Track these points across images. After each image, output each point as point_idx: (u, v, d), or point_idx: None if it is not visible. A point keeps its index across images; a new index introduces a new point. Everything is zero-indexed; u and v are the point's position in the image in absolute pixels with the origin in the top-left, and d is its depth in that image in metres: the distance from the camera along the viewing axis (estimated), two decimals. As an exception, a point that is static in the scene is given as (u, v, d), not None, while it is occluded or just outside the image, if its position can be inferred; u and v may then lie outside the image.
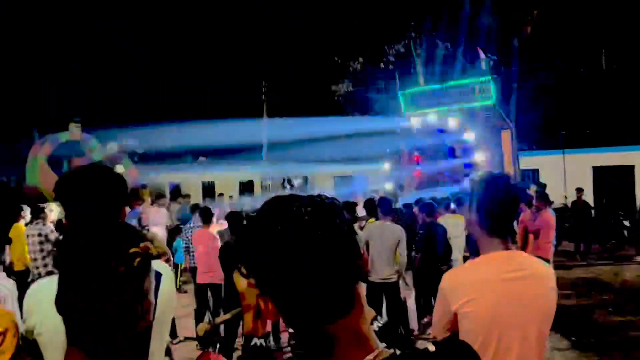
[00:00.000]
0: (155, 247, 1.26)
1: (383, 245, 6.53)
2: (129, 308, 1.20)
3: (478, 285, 2.12)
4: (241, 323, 1.33)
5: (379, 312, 6.67)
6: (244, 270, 1.00)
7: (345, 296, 0.95)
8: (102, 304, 1.16)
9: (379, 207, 6.79)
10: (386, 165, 17.99)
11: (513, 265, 2.16)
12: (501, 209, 2.20)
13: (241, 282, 1.26)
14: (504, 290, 2.10)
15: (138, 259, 1.20)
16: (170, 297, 1.94)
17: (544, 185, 13.55)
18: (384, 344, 1.02)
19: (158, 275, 1.77)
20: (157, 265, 1.93)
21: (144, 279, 1.24)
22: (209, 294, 7.42)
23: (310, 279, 0.91)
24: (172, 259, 9.81)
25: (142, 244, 1.23)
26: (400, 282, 7.22)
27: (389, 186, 16.16)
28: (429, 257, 7.18)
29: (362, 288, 1.02)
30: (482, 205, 2.21)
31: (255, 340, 1.26)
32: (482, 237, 2.22)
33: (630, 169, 16.80)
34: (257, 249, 0.94)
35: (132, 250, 1.20)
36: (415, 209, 8.65)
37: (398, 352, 0.98)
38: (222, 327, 6.31)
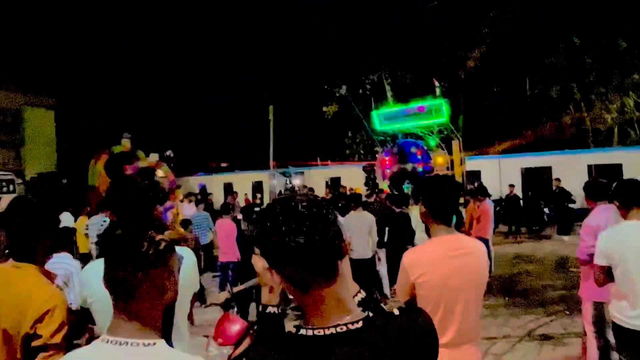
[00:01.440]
0: (178, 234, 1.28)
1: (360, 230, 6.53)
2: (159, 282, 1.22)
3: (430, 262, 2.14)
4: (254, 292, 1.36)
5: (361, 285, 6.66)
6: (257, 251, 1.03)
7: (330, 269, 1.00)
8: (135, 279, 1.17)
9: (353, 201, 6.82)
10: (364, 168, 17.97)
11: (456, 245, 2.17)
12: (443, 202, 2.22)
13: (259, 264, 1.29)
14: (449, 264, 2.12)
15: (164, 244, 1.22)
16: (191, 276, 1.95)
17: (481, 183, 13.60)
18: (360, 308, 1.07)
19: (181, 258, 1.81)
20: (181, 250, 1.99)
21: (169, 259, 1.25)
22: (230, 269, 7.40)
23: (304, 255, 0.95)
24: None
25: (166, 232, 1.25)
26: (375, 258, 7.29)
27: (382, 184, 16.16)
28: (398, 238, 7.20)
29: (346, 264, 1.07)
30: (429, 199, 2.23)
31: (270, 309, 1.32)
32: (432, 224, 2.24)
33: (548, 169, 16.90)
34: (265, 234, 0.99)
35: (159, 237, 1.22)
36: (387, 202, 8.64)
37: (371, 314, 1.04)
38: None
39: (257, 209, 9.16)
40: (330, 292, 1.00)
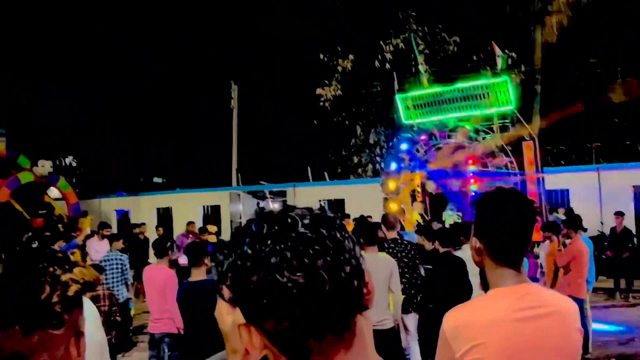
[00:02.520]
0: (92, 274, 1.27)
1: (374, 282, 6.50)
2: (60, 354, 1.21)
3: (487, 327, 2.12)
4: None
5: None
6: (226, 294, 1.01)
7: (342, 327, 0.99)
8: (25, 346, 1.16)
9: (361, 235, 6.75)
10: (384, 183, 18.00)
11: (529, 302, 2.16)
12: (513, 232, 2.21)
13: (227, 318, 1.27)
14: (517, 332, 2.10)
15: (74, 287, 1.21)
16: (96, 339, 1.94)
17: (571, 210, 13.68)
18: None
19: None
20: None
21: (77, 315, 1.24)
22: (163, 346, 7.34)
23: (304, 303, 0.94)
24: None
25: (75, 269, 1.24)
26: (400, 328, 7.24)
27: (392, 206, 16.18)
28: (445, 296, 7.17)
29: (367, 323, 1.08)
30: (489, 228, 2.23)
31: None
32: (491, 267, 2.24)
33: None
34: (243, 269, 0.97)
35: (66, 277, 1.21)
36: (420, 238, 8.65)
37: None
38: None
39: (214, 248, 9.14)
40: None
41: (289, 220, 0.99)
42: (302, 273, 0.93)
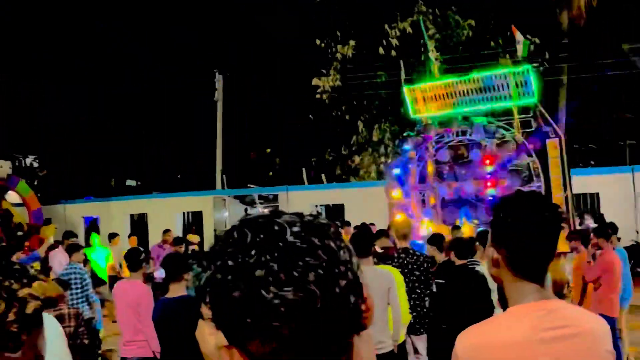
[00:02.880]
0: (54, 289, 1.27)
1: (373, 297, 6.46)
2: None
3: (506, 350, 2.11)
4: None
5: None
6: (206, 316, 1.01)
7: (338, 349, 0.99)
8: None
9: (354, 245, 6.71)
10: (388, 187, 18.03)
11: (553, 321, 2.15)
12: (535, 240, 2.19)
13: (208, 340, 1.26)
14: (539, 355, 2.09)
15: (33, 304, 1.20)
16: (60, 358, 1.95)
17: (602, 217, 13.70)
18: None
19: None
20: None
21: (36, 334, 1.24)
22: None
23: (295, 323, 0.94)
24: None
25: (35, 283, 1.23)
26: (408, 347, 7.28)
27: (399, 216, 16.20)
28: (461, 315, 7.15)
29: (366, 343, 1.12)
30: (508, 236, 2.22)
31: None
32: (510, 281, 2.23)
33: None
34: (224, 284, 0.97)
35: (25, 292, 1.20)
36: (431, 248, 8.65)
37: None
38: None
39: (193, 259, 9.14)
40: None
41: (276, 227, 0.98)
42: (291, 288, 0.93)
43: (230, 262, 0.96)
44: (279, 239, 0.96)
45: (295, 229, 0.98)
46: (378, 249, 8.37)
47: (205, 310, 1.02)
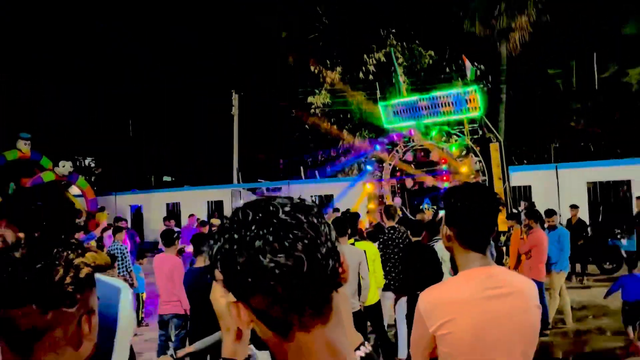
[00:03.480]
0: (103, 259, 1.26)
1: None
2: (73, 329, 1.19)
3: (457, 305, 2.11)
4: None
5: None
6: (219, 278, 1.02)
7: (321, 302, 1.01)
8: (41, 322, 1.14)
9: (334, 229, 6.77)
10: (367, 181, 18.06)
11: (494, 282, 2.15)
12: (479, 220, 2.20)
13: (220, 301, 1.27)
14: (485, 309, 2.09)
15: (85, 270, 1.19)
16: (131, 317, 1.97)
17: (532, 204, 13.73)
18: None
19: (117, 291, 1.84)
20: (114, 281, 1.94)
21: (89, 295, 1.23)
22: (172, 326, 7.33)
23: (286, 281, 0.95)
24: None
25: (88, 254, 1.22)
26: (387, 306, 7.46)
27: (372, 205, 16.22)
28: (418, 281, 7.17)
29: (344, 300, 1.10)
30: (458, 217, 2.22)
31: None
32: (460, 252, 2.23)
33: (626, 184, 17.06)
34: (230, 252, 0.98)
35: (79, 260, 1.19)
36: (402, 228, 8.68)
37: None
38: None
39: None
40: (320, 337, 1.00)
41: (272, 208, 0.99)
42: (283, 255, 0.94)
43: (235, 235, 0.97)
44: (274, 217, 0.97)
45: (287, 209, 0.99)
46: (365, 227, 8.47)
47: (218, 274, 1.02)
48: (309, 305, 0.98)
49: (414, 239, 7.49)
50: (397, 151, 17.61)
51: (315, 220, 1.00)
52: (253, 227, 0.97)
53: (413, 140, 17.21)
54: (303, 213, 1.00)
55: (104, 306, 2.18)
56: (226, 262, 0.98)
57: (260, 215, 0.98)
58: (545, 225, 9.39)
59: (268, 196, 1.07)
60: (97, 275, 2.27)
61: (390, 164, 17.73)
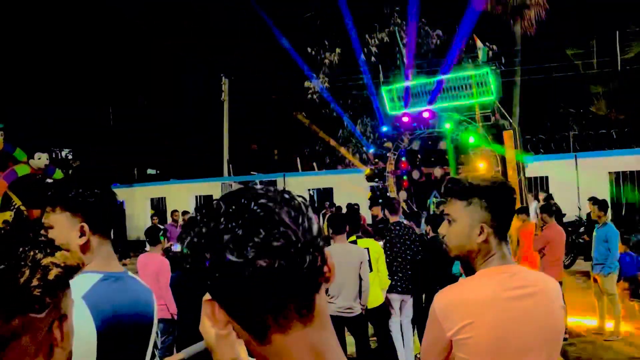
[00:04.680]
0: (76, 258, 1.23)
1: (344, 268, 6.46)
2: (44, 337, 1.17)
3: (477, 306, 2.10)
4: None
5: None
6: (207, 297, 1.03)
7: (301, 301, 1.00)
8: (7, 330, 1.11)
9: (330, 226, 6.80)
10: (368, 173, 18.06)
11: (516, 281, 2.14)
12: (496, 211, 2.21)
13: (211, 332, 1.24)
14: (507, 310, 2.08)
15: (55, 272, 1.16)
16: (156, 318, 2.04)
17: (550, 196, 13.73)
18: None
19: (149, 292, 1.80)
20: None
21: (60, 299, 1.20)
22: (157, 331, 7.32)
23: (257, 280, 0.95)
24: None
25: (58, 254, 1.19)
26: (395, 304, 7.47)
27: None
28: (432, 279, 7.20)
29: (324, 302, 1.08)
30: (498, 210, 2.23)
31: None
32: (489, 249, 2.22)
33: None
34: (199, 244, 0.98)
35: (47, 260, 1.16)
36: (409, 223, 8.70)
37: None
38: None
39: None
40: (302, 340, 1.00)
41: (244, 200, 0.99)
42: (253, 251, 0.94)
43: (204, 229, 0.97)
44: (245, 209, 0.97)
45: (262, 200, 0.99)
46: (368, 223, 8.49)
47: (207, 306, 1.04)
48: (283, 305, 0.98)
49: (431, 235, 7.54)
50: (401, 139, 17.61)
51: (293, 213, 0.99)
52: (222, 220, 0.96)
53: (421, 128, 17.17)
54: (279, 205, 0.99)
55: (143, 306, 2.23)
56: (194, 258, 0.98)
57: (232, 207, 0.98)
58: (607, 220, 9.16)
59: (246, 187, 1.06)
60: (131, 275, 2.31)
61: (395, 154, 17.73)
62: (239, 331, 1.03)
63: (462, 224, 2.26)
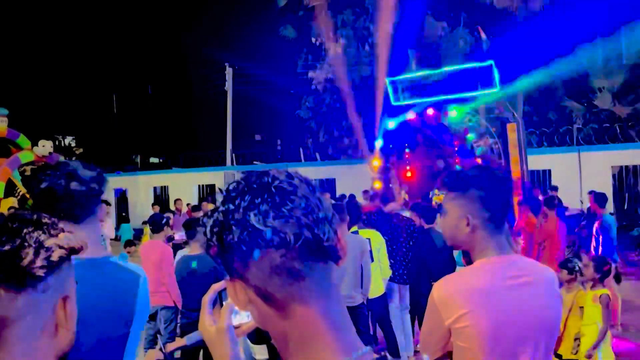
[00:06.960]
0: (78, 240, 1.25)
1: (346, 259, 6.47)
2: (47, 317, 1.19)
3: (476, 295, 2.11)
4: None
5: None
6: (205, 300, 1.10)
7: (318, 275, 1.04)
8: (9, 310, 1.14)
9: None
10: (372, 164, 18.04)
11: (515, 270, 2.16)
12: (494, 202, 2.22)
13: (210, 329, 1.31)
14: (507, 299, 2.10)
15: (58, 252, 1.18)
16: (146, 304, 2.15)
17: (555, 188, 13.72)
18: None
19: (136, 278, 2.09)
20: (136, 267, 2.08)
21: (64, 279, 1.22)
22: (160, 318, 7.35)
23: (280, 247, 0.99)
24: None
25: (61, 235, 1.21)
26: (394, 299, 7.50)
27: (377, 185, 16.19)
28: (432, 269, 7.21)
29: (338, 279, 1.13)
30: (491, 199, 2.23)
31: None
32: (485, 239, 2.23)
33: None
34: (226, 221, 1.02)
35: (50, 242, 1.18)
36: (413, 214, 8.69)
37: None
38: (178, 353, 6.28)
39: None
40: (322, 312, 1.03)
41: (265, 179, 1.05)
42: (279, 221, 0.99)
43: (230, 206, 1.02)
44: (269, 185, 1.02)
45: (282, 177, 1.05)
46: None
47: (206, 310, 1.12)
48: (307, 275, 1.02)
49: (426, 227, 7.52)
50: (404, 132, 17.57)
51: (307, 190, 1.05)
52: (247, 197, 1.01)
53: (425, 122, 17.14)
54: (296, 185, 1.05)
55: (121, 293, 2.23)
56: (221, 235, 1.02)
57: (255, 186, 1.03)
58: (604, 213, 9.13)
59: (263, 170, 1.10)
60: (118, 261, 2.31)
61: (394, 148, 17.69)
62: (260, 311, 1.06)
63: (451, 215, 2.29)
